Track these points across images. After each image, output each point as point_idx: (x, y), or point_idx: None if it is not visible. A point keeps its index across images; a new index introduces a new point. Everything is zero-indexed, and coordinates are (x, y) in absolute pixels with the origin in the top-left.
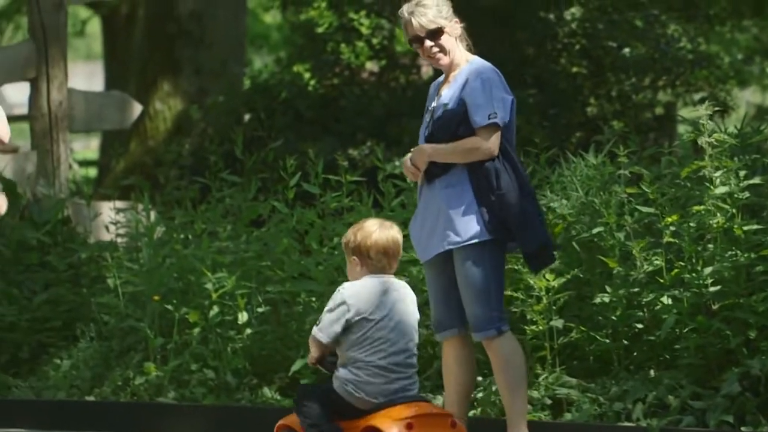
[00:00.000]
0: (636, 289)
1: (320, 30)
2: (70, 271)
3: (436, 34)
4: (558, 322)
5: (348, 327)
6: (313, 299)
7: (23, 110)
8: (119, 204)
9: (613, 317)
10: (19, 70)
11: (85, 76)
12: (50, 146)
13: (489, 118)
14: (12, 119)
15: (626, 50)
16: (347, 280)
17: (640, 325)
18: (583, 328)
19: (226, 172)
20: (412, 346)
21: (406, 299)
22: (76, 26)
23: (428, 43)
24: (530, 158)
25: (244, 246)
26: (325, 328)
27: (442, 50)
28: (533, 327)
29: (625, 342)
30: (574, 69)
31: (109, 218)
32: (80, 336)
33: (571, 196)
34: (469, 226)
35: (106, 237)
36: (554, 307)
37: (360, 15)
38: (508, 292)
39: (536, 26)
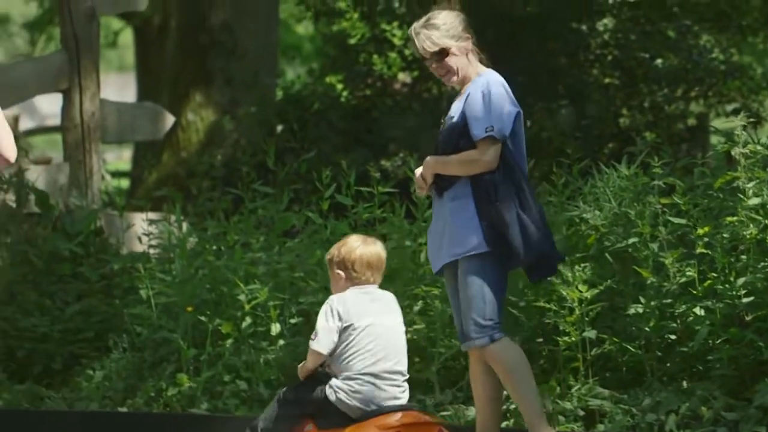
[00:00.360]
0: (669, 300)
1: (352, 41)
2: (103, 282)
3: (440, 55)
4: (591, 333)
5: (339, 336)
6: None
7: (56, 121)
8: (152, 215)
9: (646, 328)
10: (51, 81)
11: (118, 87)
12: (83, 157)
13: (486, 131)
14: (45, 130)
15: (658, 61)
16: None
17: (673, 337)
18: (616, 339)
19: (259, 183)
20: (400, 354)
21: (390, 308)
22: (109, 37)
23: (434, 65)
24: (563, 169)
25: (277, 257)
26: (322, 339)
27: (449, 70)
28: (566, 338)
29: (658, 353)
30: (607, 80)
31: (142, 229)
32: (113, 347)
33: (604, 207)
34: (469, 238)
35: (139, 248)
36: (587, 318)
37: (392, 26)
38: (540, 303)
39: (569, 37)
